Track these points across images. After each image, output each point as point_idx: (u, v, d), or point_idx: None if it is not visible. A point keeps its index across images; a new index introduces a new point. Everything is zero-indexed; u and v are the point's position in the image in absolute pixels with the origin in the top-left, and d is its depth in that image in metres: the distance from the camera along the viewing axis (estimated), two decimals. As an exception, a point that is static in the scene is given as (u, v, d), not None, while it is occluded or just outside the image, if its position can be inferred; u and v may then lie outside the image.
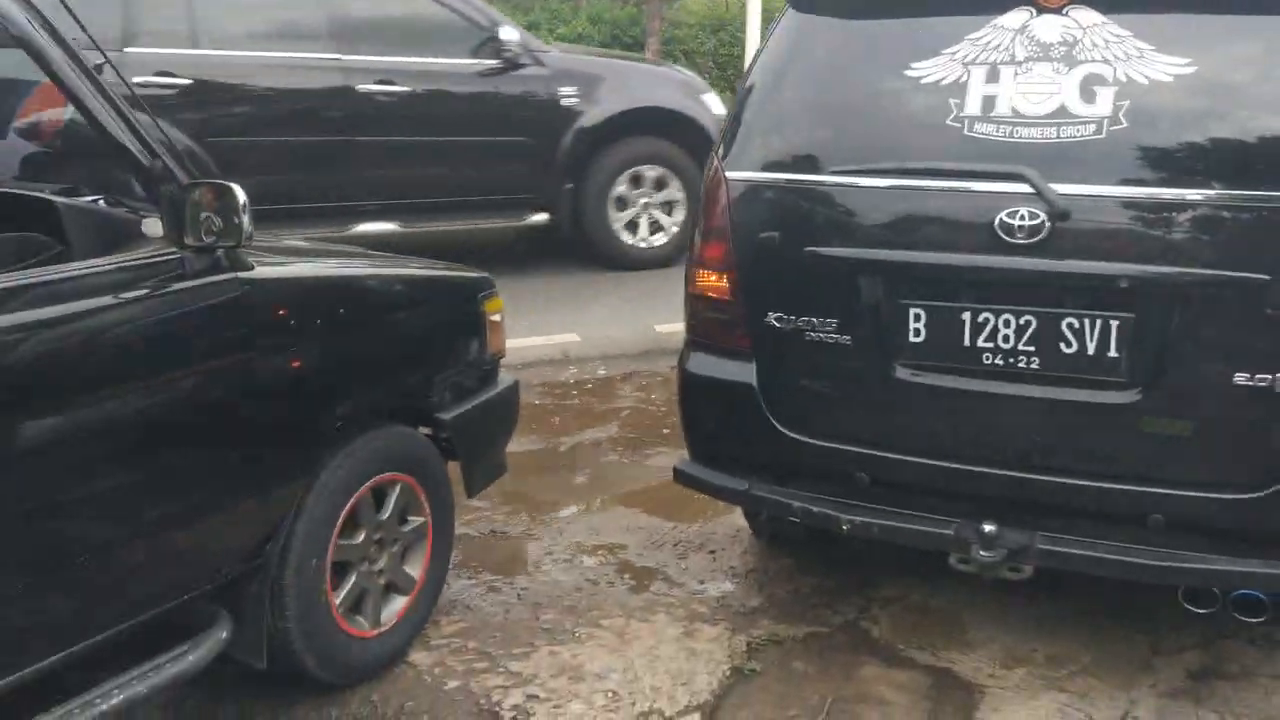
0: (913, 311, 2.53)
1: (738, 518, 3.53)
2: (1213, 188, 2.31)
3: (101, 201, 2.58)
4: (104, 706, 2.07)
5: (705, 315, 2.85)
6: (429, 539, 2.89)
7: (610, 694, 2.71)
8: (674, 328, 5.48)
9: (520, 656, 2.86)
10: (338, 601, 2.61)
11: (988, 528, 2.46)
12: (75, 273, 2.11)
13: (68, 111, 3.22)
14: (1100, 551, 2.45)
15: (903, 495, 2.62)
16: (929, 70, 2.52)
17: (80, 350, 2.09)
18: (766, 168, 2.72)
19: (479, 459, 3.10)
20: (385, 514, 2.75)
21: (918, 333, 2.53)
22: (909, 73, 2.54)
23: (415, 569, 2.86)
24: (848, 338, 2.60)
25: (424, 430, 2.93)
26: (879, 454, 2.63)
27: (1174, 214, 2.33)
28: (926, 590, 3.15)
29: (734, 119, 2.84)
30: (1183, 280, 2.32)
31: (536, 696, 2.70)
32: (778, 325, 2.68)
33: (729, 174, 2.75)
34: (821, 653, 2.90)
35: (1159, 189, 2.35)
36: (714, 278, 2.78)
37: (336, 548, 2.59)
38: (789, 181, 2.70)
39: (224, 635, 2.36)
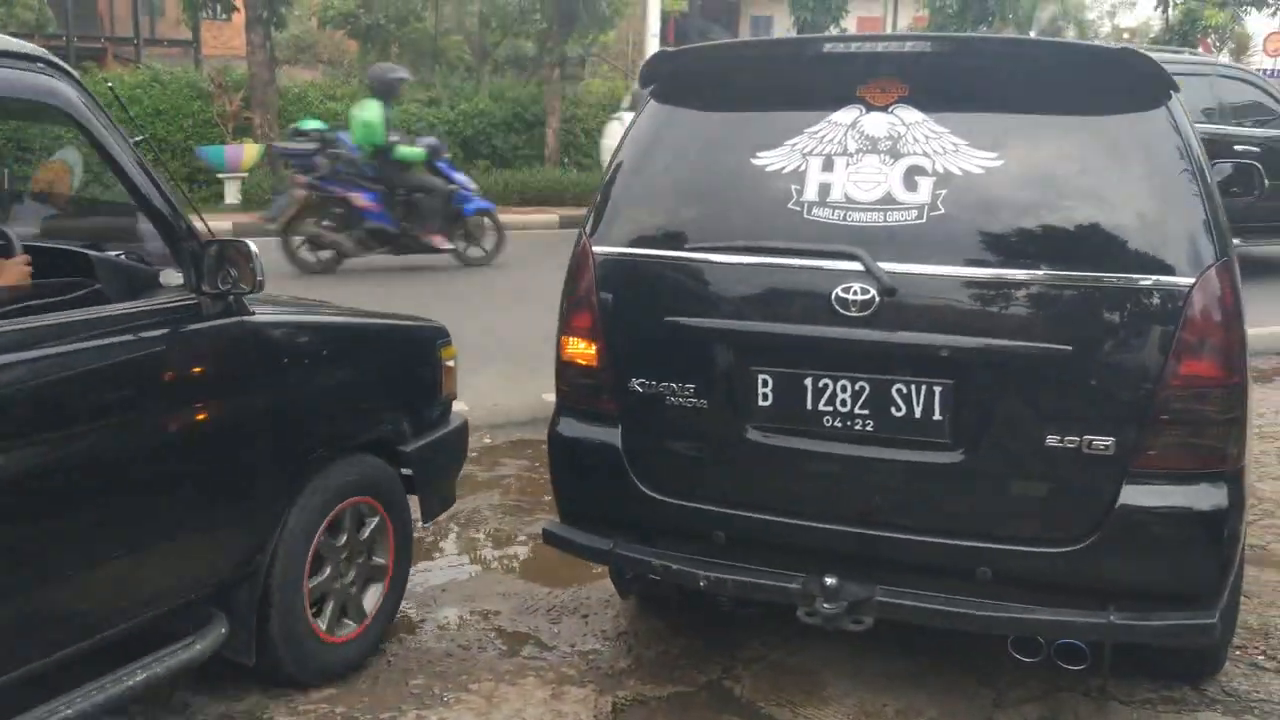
0: (761, 377, 2.84)
1: (596, 590, 3.77)
2: (1019, 267, 2.66)
3: (123, 256, 3.00)
4: (130, 683, 2.56)
5: (574, 380, 3.13)
6: (390, 557, 3.33)
7: (474, 758, 2.84)
8: None
9: (387, 722, 3.00)
10: (312, 608, 3.06)
11: (829, 581, 2.74)
12: (117, 312, 2.59)
13: (74, 181, 3.73)
14: (934, 603, 2.74)
15: (756, 551, 2.90)
16: (773, 159, 2.87)
17: (116, 375, 2.55)
18: (630, 243, 3.04)
19: (434, 488, 3.58)
20: (357, 533, 3.22)
21: (766, 397, 2.84)
22: (755, 161, 2.89)
23: (379, 585, 3.31)
24: (704, 402, 2.90)
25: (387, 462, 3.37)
26: (734, 512, 2.91)
27: (986, 290, 2.68)
28: (788, 649, 3.38)
29: (601, 198, 3.16)
30: (995, 350, 2.66)
31: (401, 762, 2.85)
32: (640, 390, 2.97)
33: (595, 248, 3.06)
34: (685, 711, 3.09)
35: (972, 268, 2.69)
36: (582, 345, 3.07)
37: (313, 560, 3.04)
38: (650, 256, 3.01)
39: (224, 631, 2.82)
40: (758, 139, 2.91)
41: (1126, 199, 2.67)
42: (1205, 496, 2.62)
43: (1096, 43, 3.30)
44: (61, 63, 2.56)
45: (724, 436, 2.90)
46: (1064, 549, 2.66)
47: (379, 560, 3.32)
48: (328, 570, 3.13)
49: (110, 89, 2.76)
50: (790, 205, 2.82)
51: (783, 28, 21.56)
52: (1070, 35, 28.96)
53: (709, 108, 3.10)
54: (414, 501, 3.53)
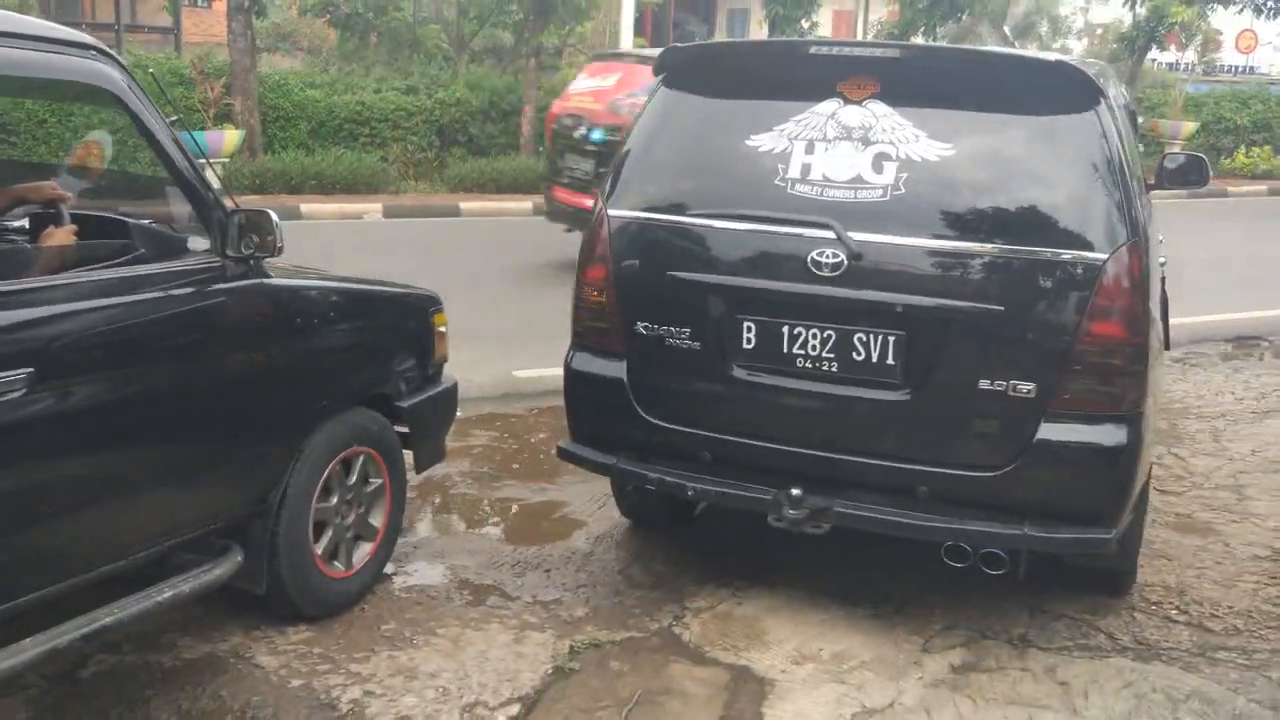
0: (745, 324, 3.49)
1: (574, 540, 4.26)
2: (965, 240, 3.31)
3: (154, 223, 3.37)
4: (159, 598, 2.96)
5: (587, 323, 3.78)
6: (387, 499, 3.75)
7: (441, 690, 3.18)
8: (532, 373, 6.38)
9: (360, 660, 3.31)
10: (317, 546, 3.46)
11: (795, 492, 3.39)
12: (154, 270, 2.97)
13: (106, 159, 4.11)
14: (881, 514, 3.39)
15: (735, 469, 3.54)
16: (763, 141, 3.52)
17: (153, 326, 2.93)
18: (639, 208, 3.68)
19: (427, 441, 4.01)
20: (354, 477, 3.60)
21: (749, 341, 3.49)
22: (749, 142, 3.54)
23: (376, 522, 3.73)
24: (697, 344, 3.55)
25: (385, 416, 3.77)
26: (718, 436, 3.56)
27: (936, 258, 3.32)
28: (734, 600, 3.79)
29: (616, 168, 3.80)
30: (941, 308, 3.30)
31: (373, 693, 3.15)
32: (644, 333, 3.61)
33: (610, 211, 3.71)
34: (636, 654, 3.45)
35: (926, 240, 3.33)
36: (595, 294, 3.72)
37: (318, 499, 3.43)
38: (657, 220, 3.66)
39: (239, 559, 3.20)
40: (751, 124, 3.56)
41: (1056, 187, 3.31)
42: (1108, 435, 3.26)
43: (1036, 54, 3.87)
44: (111, 51, 2.91)
45: (713, 373, 3.54)
46: (990, 473, 3.30)
47: (376, 506, 3.73)
48: (332, 510, 3.52)
49: (151, 75, 3.16)
50: (776, 181, 3.47)
51: (757, 20, 22.19)
52: (1043, 30, 29.66)
53: (711, 95, 3.75)
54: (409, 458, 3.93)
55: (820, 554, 4.02)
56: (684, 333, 3.55)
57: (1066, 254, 3.24)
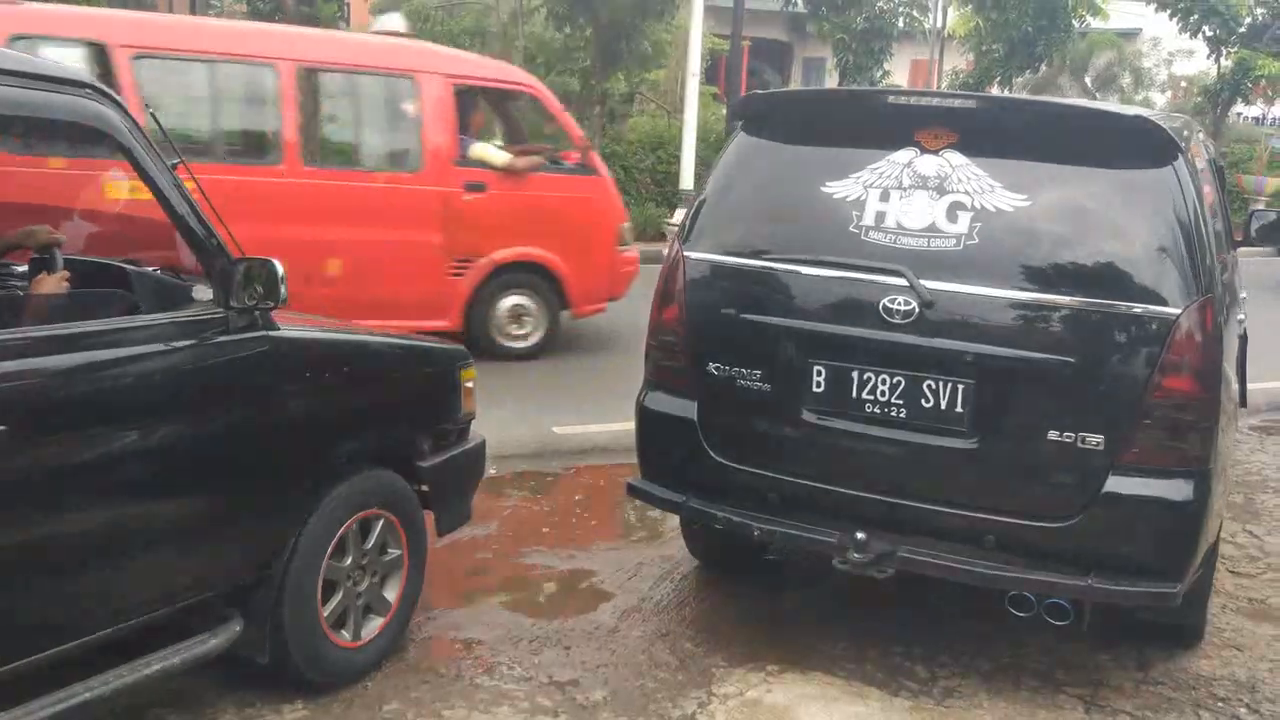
0: (816, 368, 3.61)
1: (600, 614, 4.11)
2: (1037, 291, 3.40)
3: (159, 271, 3.32)
4: (146, 671, 2.85)
5: (660, 363, 3.93)
6: (404, 571, 3.61)
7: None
8: (571, 429, 6.36)
9: (356, 745, 3.18)
10: (326, 613, 3.33)
11: (860, 535, 3.48)
12: (150, 322, 2.90)
13: (119, 202, 4.04)
14: (947, 561, 3.47)
15: (802, 511, 3.65)
16: (839, 189, 3.66)
17: (148, 381, 2.86)
18: (715, 251, 3.83)
19: (450, 503, 3.87)
20: (368, 543, 3.47)
21: (819, 385, 3.61)
22: (824, 189, 3.68)
23: (391, 595, 3.59)
24: (768, 386, 3.67)
25: (404, 477, 3.63)
26: (786, 478, 3.68)
27: (1008, 308, 3.42)
28: (765, 687, 3.63)
29: (694, 211, 3.96)
30: (1011, 358, 3.39)
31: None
32: (715, 373, 3.75)
33: (687, 254, 3.87)
34: None
35: (998, 290, 3.42)
36: (669, 334, 3.88)
37: (328, 567, 3.31)
38: (731, 263, 3.80)
39: (238, 629, 3.09)
40: (827, 171, 3.70)
41: (1131, 241, 3.40)
42: (1176, 489, 3.33)
43: (1114, 108, 3.99)
44: (108, 89, 2.84)
45: (783, 415, 3.67)
46: (1056, 524, 3.38)
47: (394, 573, 3.58)
48: (342, 579, 3.39)
49: (153, 115, 3.07)
50: (851, 228, 3.60)
51: (831, 68, 22.49)
52: (1125, 81, 29.51)
53: (789, 141, 3.91)
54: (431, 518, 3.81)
55: (862, 635, 4.00)
56: (755, 375, 3.69)
57: (1139, 308, 3.31)
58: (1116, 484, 3.34)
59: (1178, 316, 3.29)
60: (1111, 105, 4.03)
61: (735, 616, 4.19)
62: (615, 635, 3.96)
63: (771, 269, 3.75)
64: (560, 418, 6.52)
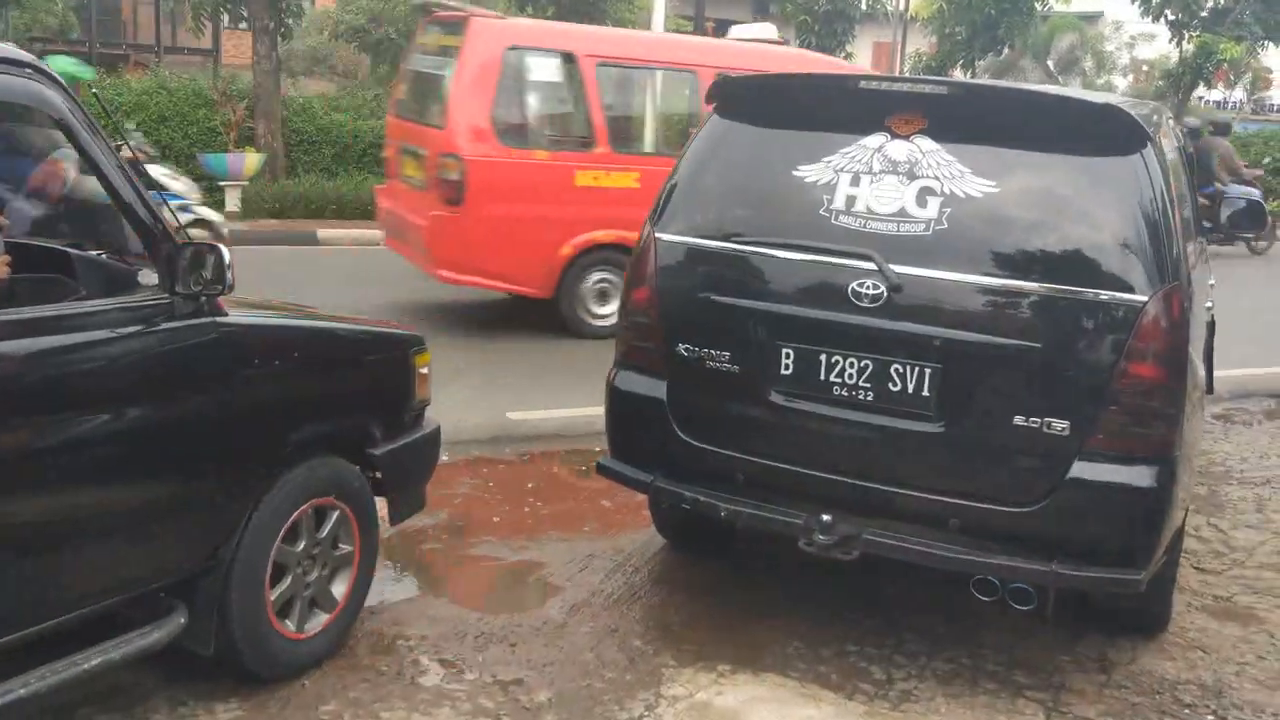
0: (785, 350, 3.63)
1: (548, 609, 4.03)
2: (1005, 276, 3.43)
3: (104, 255, 3.25)
4: (85, 665, 2.79)
5: (631, 343, 3.94)
6: (354, 567, 3.58)
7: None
8: (526, 415, 6.27)
9: (290, 746, 3.09)
10: (273, 600, 3.29)
11: (826, 517, 3.52)
12: (93, 308, 2.85)
13: (66, 184, 3.97)
14: (911, 545, 3.51)
15: (769, 492, 3.68)
16: (810, 172, 3.68)
17: (91, 369, 2.83)
18: (686, 233, 3.84)
19: (403, 491, 3.85)
20: (320, 533, 3.44)
21: (788, 367, 3.63)
22: (795, 173, 3.69)
23: (339, 592, 3.55)
24: (736, 367, 3.69)
25: (356, 465, 3.60)
26: (754, 459, 3.70)
27: (976, 294, 3.45)
28: (715, 689, 3.55)
29: (666, 193, 3.96)
30: (978, 343, 3.43)
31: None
32: (685, 354, 3.77)
33: (658, 235, 3.87)
34: None
35: (966, 275, 3.45)
36: (639, 315, 3.88)
37: (276, 555, 3.27)
38: (702, 245, 3.81)
39: (182, 621, 3.03)
40: (799, 155, 3.72)
41: (1098, 228, 3.43)
42: (1141, 476, 3.37)
43: (1083, 95, 4.02)
44: (49, 69, 2.78)
45: (751, 397, 3.69)
46: (1021, 509, 3.42)
47: (344, 563, 3.55)
48: (291, 567, 3.35)
49: (95, 95, 3.14)
50: (821, 211, 3.62)
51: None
52: (1088, 65, 29.76)
53: (761, 125, 3.92)
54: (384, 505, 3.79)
55: (817, 633, 3.95)
56: (724, 356, 3.71)
57: (1106, 295, 3.35)
58: (1081, 470, 3.38)
59: (1144, 304, 3.33)
60: (1079, 92, 4.07)
61: (687, 612, 4.12)
62: (563, 631, 3.89)
63: (741, 251, 3.76)
64: (515, 403, 6.45)
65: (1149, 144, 3.52)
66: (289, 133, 14.85)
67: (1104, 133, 3.55)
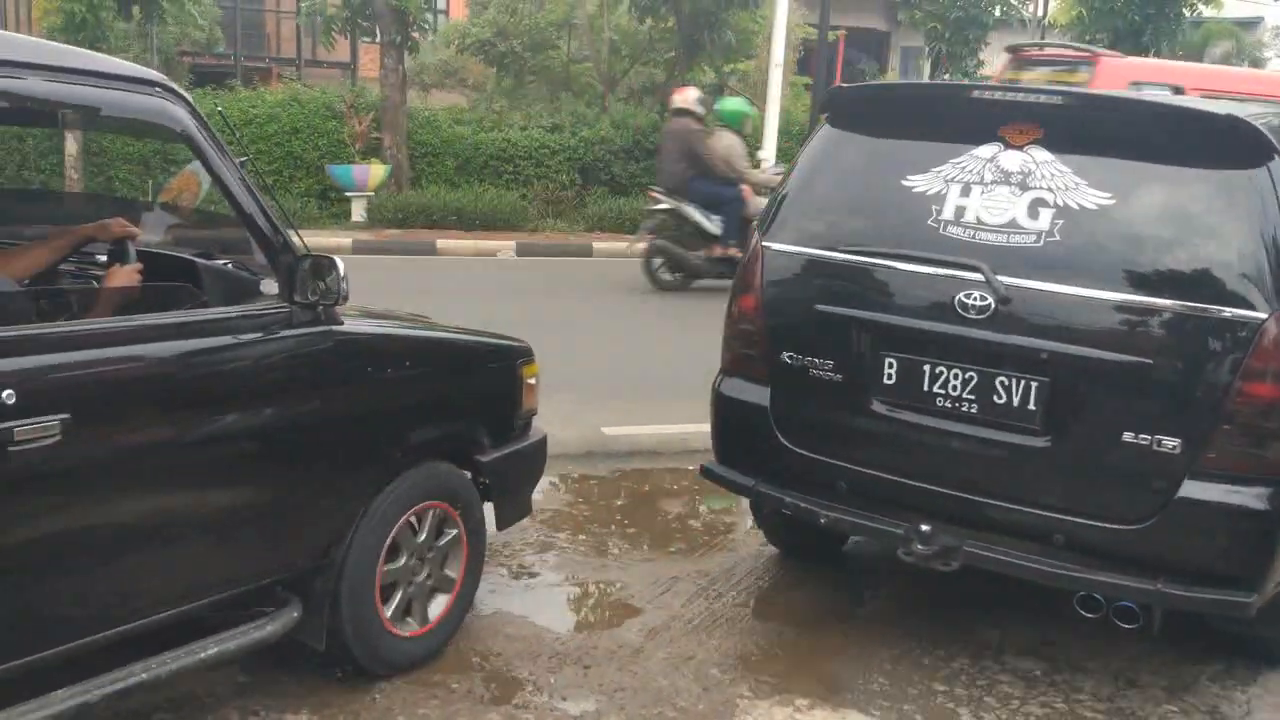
0: (888, 360, 3.69)
1: (625, 631, 4.01)
2: (1117, 290, 3.42)
3: (230, 264, 3.42)
4: (202, 655, 2.97)
5: (736, 350, 4.05)
6: (464, 551, 3.72)
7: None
8: (621, 430, 6.30)
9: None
10: (387, 608, 3.46)
11: (925, 527, 3.56)
12: (217, 315, 3.02)
13: (200, 195, 4.10)
14: (1013, 558, 3.53)
15: (869, 501, 3.74)
16: (920, 183, 3.73)
17: (213, 372, 2.99)
18: (795, 242, 3.94)
19: (509, 497, 3.99)
20: (432, 536, 3.59)
21: (890, 377, 3.69)
22: (905, 182, 3.74)
23: (453, 573, 3.72)
24: (840, 376, 3.77)
25: (466, 471, 3.76)
26: (855, 467, 3.77)
27: (1086, 307, 3.45)
28: None
29: (775, 203, 4.07)
30: (1087, 358, 3.43)
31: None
32: (789, 362, 3.86)
33: (765, 244, 3.98)
34: None
35: (1077, 288, 3.45)
36: (745, 322, 4.00)
37: (387, 556, 3.42)
38: (809, 254, 3.91)
39: (296, 615, 3.19)
40: (909, 165, 3.77)
41: (1218, 243, 3.40)
42: (1254, 497, 3.33)
43: (1207, 106, 3.95)
44: (176, 86, 2.94)
45: (853, 405, 3.76)
46: (1128, 526, 3.41)
47: (451, 565, 3.70)
48: (401, 567, 3.51)
49: (220, 114, 3.23)
50: (929, 222, 3.67)
51: (927, 58, 22.39)
52: None
53: (872, 134, 3.99)
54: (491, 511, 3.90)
55: (904, 668, 3.88)
56: (828, 365, 3.79)
57: (1224, 311, 3.32)
58: (1191, 489, 3.35)
59: (1264, 321, 3.28)
60: (1203, 102, 4.03)
61: (769, 642, 4.03)
62: (639, 656, 3.84)
63: (848, 261, 3.83)
64: (609, 417, 6.47)
65: (1276, 156, 3.46)
66: (414, 145, 15.32)
67: (1227, 146, 3.50)
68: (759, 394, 3.97)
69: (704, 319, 7.81)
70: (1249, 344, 3.30)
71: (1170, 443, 3.38)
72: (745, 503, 4.96)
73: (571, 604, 4.35)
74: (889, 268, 3.77)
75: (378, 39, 15.98)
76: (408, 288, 9.66)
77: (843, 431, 3.82)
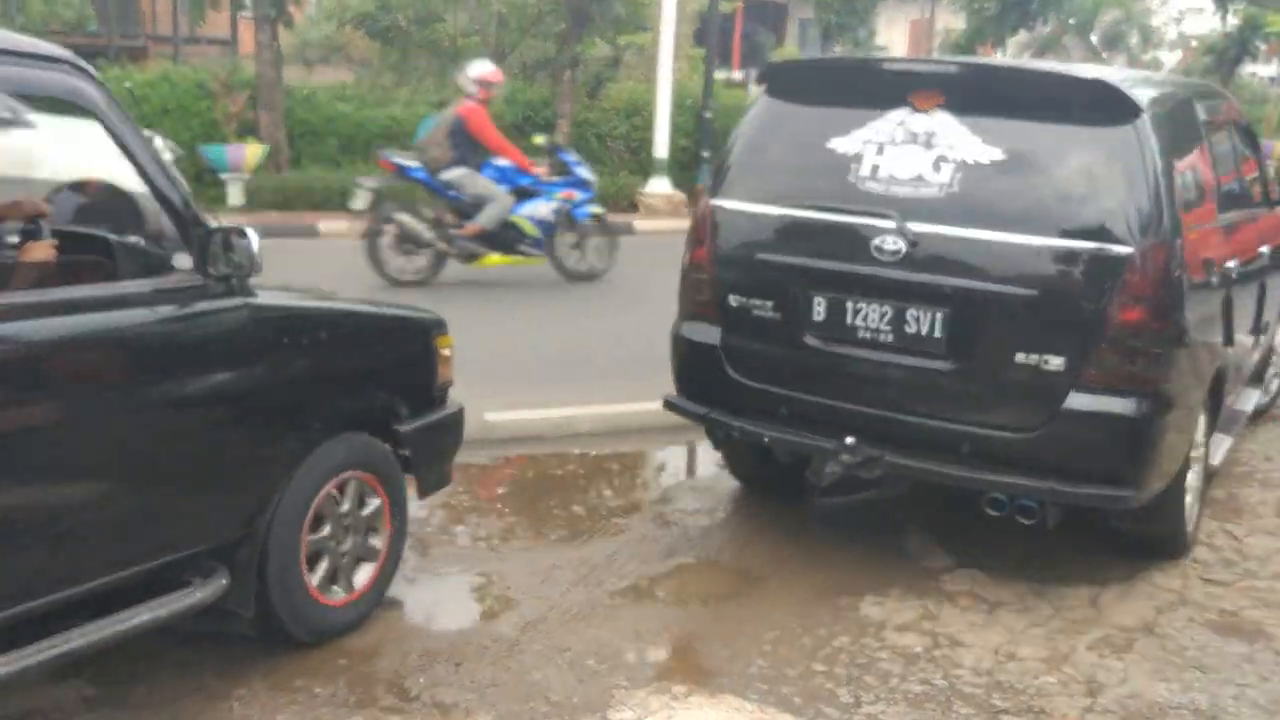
0: (816, 300, 4.35)
1: (501, 624, 3.97)
2: (1008, 232, 4.08)
3: (141, 240, 3.48)
4: (134, 621, 3.05)
5: (690, 297, 4.72)
6: (387, 521, 3.88)
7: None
8: (505, 416, 6.12)
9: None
10: (309, 572, 3.58)
11: (849, 440, 4.22)
12: (131, 289, 3.09)
13: (107, 174, 4.15)
14: (927, 465, 4.20)
15: (806, 423, 4.40)
16: (842, 144, 4.38)
17: (129, 345, 3.06)
18: (738, 200, 4.59)
19: (430, 467, 4.15)
20: (354, 505, 3.73)
21: (820, 314, 4.34)
22: (829, 145, 4.39)
23: (378, 543, 3.86)
24: (778, 315, 4.42)
25: (385, 442, 3.88)
26: (793, 394, 4.43)
27: (982, 247, 4.11)
28: (666, 713, 3.47)
29: (721, 166, 4.74)
30: (983, 290, 4.09)
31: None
32: (734, 305, 4.51)
33: (714, 202, 4.63)
34: None
35: (974, 230, 4.11)
36: (698, 273, 4.66)
37: (311, 525, 3.55)
38: (751, 210, 4.56)
39: (224, 582, 3.29)
40: (834, 129, 4.42)
41: (1092, 189, 4.05)
42: (1129, 406, 3.99)
43: (1076, 70, 4.62)
44: (84, 64, 2.96)
45: (789, 340, 4.41)
46: (1023, 435, 4.08)
47: (375, 535, 3.84)
48: (325, 536, 3.61)
49: (128, 89, 3.52)
50: (850, 178, 4.31)
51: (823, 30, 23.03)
52: (1133, 41, 29.88)
53: (803, 104, 4.65)
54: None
55: (783, 649, 3.91)
56: (768, 306, 4.44)
57: (1098, 246, 3.97)
58: (1076, 400, 4.01)
59: (1130, 254, 3.95)
60: (1076, 67, 4.81)
61: (649, 629, 4.01)
62: (514, 649, 3.79)
63: (782, 214, 4.49)
64: (495, 403, 6.17)
65: (1142, 113, 4.11)
66: (293, 123, 14.84)
67: (1098, 105, 4.16)
68: (711, 334, 4.64)
69: (583, 304, 8.38)
70: (1119, 274, 3.97)
71: (1056, 361, 4.05)
72: (635, 487, 5.69)
73: (447, 596, 4.28)
74: (817, 219, 4.42)
75: (246, 12, 15.41)
76: (288, 273, 9.32)
77: (781, 363, 4.48)
